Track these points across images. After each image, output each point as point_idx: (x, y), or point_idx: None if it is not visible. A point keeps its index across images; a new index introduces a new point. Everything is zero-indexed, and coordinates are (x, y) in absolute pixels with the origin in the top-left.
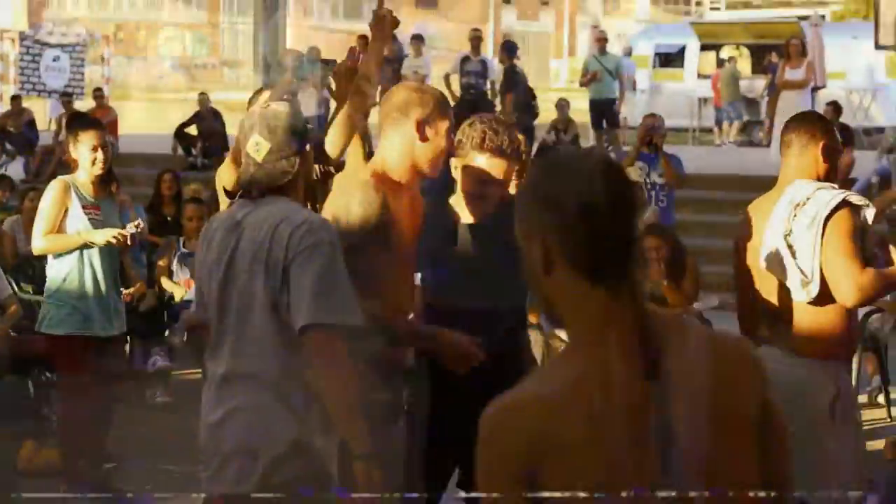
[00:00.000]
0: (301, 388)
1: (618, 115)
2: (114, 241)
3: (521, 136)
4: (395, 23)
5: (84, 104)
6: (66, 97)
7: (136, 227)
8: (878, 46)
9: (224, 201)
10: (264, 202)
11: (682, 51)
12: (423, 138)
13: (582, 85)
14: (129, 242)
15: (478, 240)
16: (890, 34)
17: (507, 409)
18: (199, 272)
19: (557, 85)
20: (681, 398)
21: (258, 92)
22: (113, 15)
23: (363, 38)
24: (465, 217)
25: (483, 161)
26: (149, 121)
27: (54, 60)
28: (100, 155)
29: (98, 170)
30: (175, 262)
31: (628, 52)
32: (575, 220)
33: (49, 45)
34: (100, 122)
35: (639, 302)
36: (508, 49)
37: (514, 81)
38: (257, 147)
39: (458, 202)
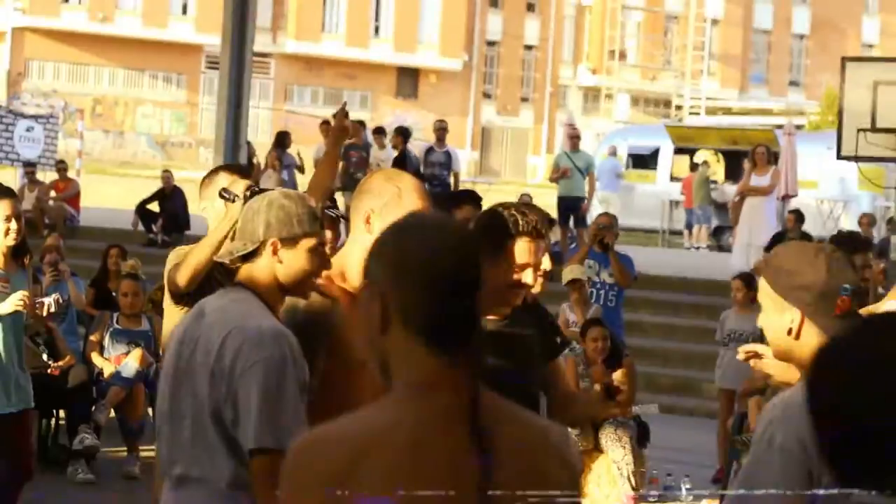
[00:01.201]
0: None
1: (586, 214)
2: (20, 304)
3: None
4: (356, 130)
5: (52, 175)
6: (29, 167)
7: (56, 301)
8: (839, 157)
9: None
10: (231, 292)
11: (655, 153)
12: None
13: (552, 181)
14: (42, 313)
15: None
16: (851, 146)
17: (310, 443)
18: (166, 352)
19: (535, 181)
20: (503, 476)
21: (214, 172)
22: (92, 89)
23: (325, 123)
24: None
25: (521, 246)
26: (119, 195)
27: (28, 130)
28: (13, 225)
29: (10, 241)
30: (107, 337)
31: (613, 152)
32: (416, 282)
33: (24, 115)
34: (12, 191)
35: (475, 372)
36: (403, 133)
37: (404, 166)
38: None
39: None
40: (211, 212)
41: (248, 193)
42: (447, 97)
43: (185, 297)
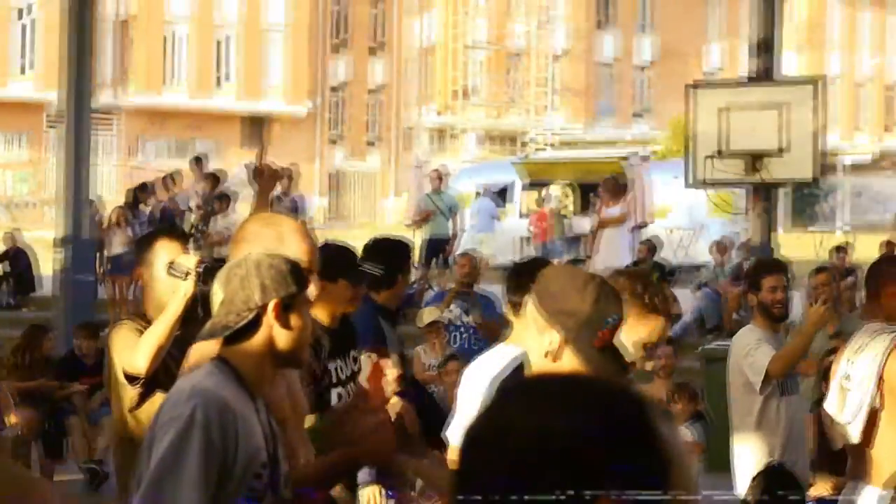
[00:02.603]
0: None
1: (449, 255)
2: None
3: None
4: (274, 174)
5: None
6: None
7: None
8: (688, 185)
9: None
10: (203, 367)
11: (505, 189)
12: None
13: (414, 224)
14: None
15: None
16: (700, 172)
17: None
18: None
19: (387, 223)
20: None
21: (152, 237)
22: None
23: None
24: None
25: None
26: None
27: None
28: None
29: None
30: None
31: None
32: None
33: None
34: None
35: None
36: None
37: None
38: (214, 297)
39: None
40: (149, 280)
41: (199, 270)
42: (294, 143)
43: (139, 379)
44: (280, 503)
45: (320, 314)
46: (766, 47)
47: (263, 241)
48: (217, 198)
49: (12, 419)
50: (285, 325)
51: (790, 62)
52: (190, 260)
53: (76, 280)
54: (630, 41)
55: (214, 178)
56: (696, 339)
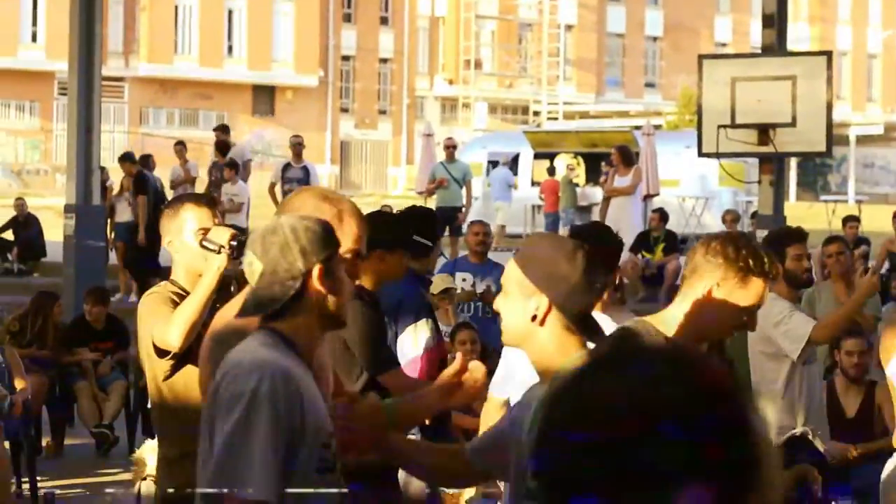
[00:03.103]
0: None
1: (461, 224)
2: None
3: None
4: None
5: None
6: None
7: None
8: (700, 154)
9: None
10: (251, 337)
11: (515, 159)
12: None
13: (425, 193)
14: None
15: None
16: (712, 143)
17: None
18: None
19: (396, 192)
20: None
21: (178, 203)
22: None
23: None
24: None
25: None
26: None
27: None
28: None
29: None
30: None
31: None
32: None
33: None
34: None
35: None
36: (130, 159)
37: (145, 186)
38: (249, 268)
39: None
40: (179, 247)
41: (233, 243)
42: (304, 113)
43: (169, 352)
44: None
45: (366, 282)
46: (776, 19)
47: (322, 214)
48: (227, 165)
49: (21, 384)
50: (329, 288)
51: (800, 34)
52: (223, 234)
53: (85, 246)
54: (640, 13)
55: (223, 146)
56: None
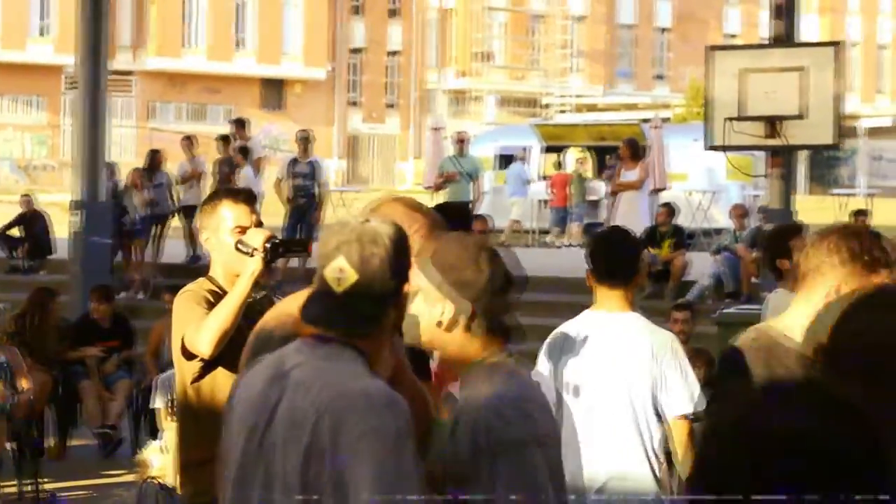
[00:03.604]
0: None
1: (471, 218)
2: None
3: None
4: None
5: None
6: None
7: None
8: (708, 148)
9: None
10: (323, 352)
11: (524, 153)
12: None
13: (433, 188)
14: None
15: None
16: (720, 136)
17: None
18: (228, 422)
19: (404, 186)
20: None
21: (215, 199)
22: None
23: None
24: None
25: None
26: None
27: None
28: None
29: None
30: None
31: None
32: None
33: None
34: None
35: None
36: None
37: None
38: (340, 275)
39: None
40: (216, 244)
41: (268, 246)
42: (313, 107)
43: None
44: None
45: None
46: (785, 10)
47: (412, 225)
48: (239, 151)
49: (24, 384)
50: (404, 306)
51: (810, 26)
52: (258, 236)
53: (92, 243)
54: (650, 4)
55: (226, 139)
56: (713, 304)
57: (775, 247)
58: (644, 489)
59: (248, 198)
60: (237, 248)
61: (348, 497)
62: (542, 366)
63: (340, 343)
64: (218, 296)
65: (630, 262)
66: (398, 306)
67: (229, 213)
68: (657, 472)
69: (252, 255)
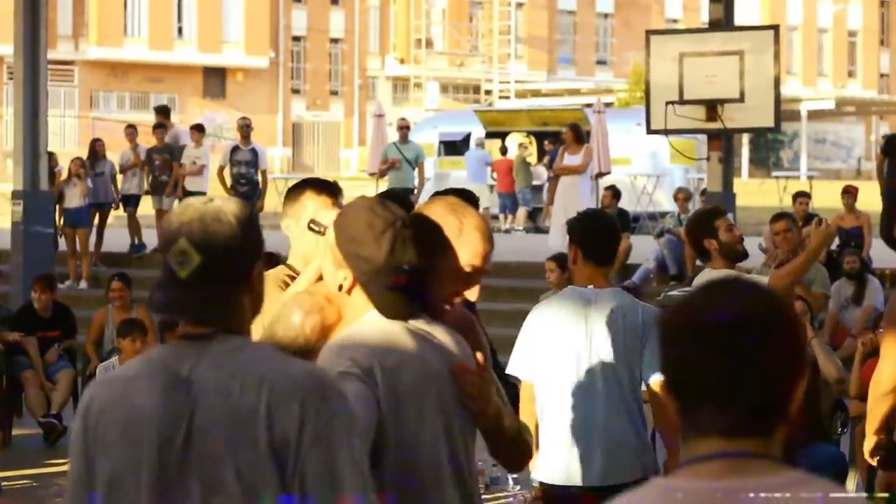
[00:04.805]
0: None
1: (414, 206)
2: None
3: None
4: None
5: None
6: None
7: None
8: (649, 131)
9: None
10: (215, 345)
11: (467, 138)
12: None
13: (377, 174)
14: None
15: None
16: (660, 119)
17: None
18: (116, 440)
19: (349, 173)
20: None
21: (300, 188)
22: None
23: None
24: None
25: None
26: None
27: None
28: None
29: None
30: None
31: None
32: None
33: None
34: None
35: None
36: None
37: None
38: (183, 258)
39: None
40: (296, 233)
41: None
42: (255, 95)
43: None
44: None
45: None
46: None
47: (445, 226)
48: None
49: None
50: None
51: (751, 10)
52: (330, 216)
53: (33, 232)
54: None
55: (163, 128)
56: (657, 287)
57: (701, 228)
58: (635, 449)
59: (332, 189)
60: (309, 228)
61: (328, 486)
62: (529, 339)
63: (224, 333)
64: (294, 280)
65: (617, 242)
66: (251, 288)
67: (312, 203)
68: (646, 436)
69: (323, 234)
